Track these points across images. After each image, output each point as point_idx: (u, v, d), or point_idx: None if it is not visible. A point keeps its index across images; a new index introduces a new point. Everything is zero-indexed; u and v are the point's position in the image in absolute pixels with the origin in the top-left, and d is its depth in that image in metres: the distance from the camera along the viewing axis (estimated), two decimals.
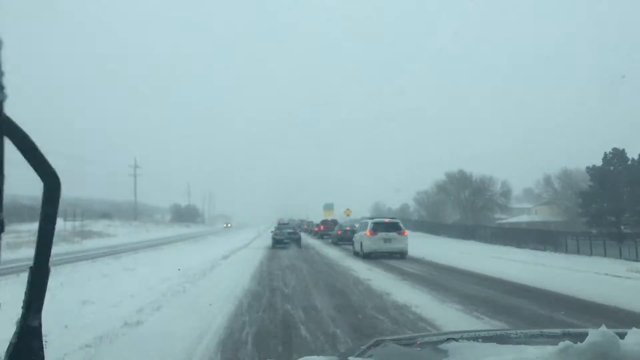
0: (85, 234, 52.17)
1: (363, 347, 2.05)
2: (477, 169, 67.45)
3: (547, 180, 71.09)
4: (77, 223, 63.59)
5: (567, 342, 1.36)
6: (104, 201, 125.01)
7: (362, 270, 17.21)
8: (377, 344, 2.09)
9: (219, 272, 15.67)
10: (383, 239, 24.11)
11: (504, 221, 67.07)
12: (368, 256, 23.59)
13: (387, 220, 25.66)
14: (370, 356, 1.82)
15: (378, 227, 24.44)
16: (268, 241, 38.51)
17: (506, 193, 62.32)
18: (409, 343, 2.27)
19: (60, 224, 52.50)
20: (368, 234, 24.29)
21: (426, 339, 2.37)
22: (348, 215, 67.34)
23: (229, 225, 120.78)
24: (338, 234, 36.06)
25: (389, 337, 2.35)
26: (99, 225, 62.77)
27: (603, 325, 1.40)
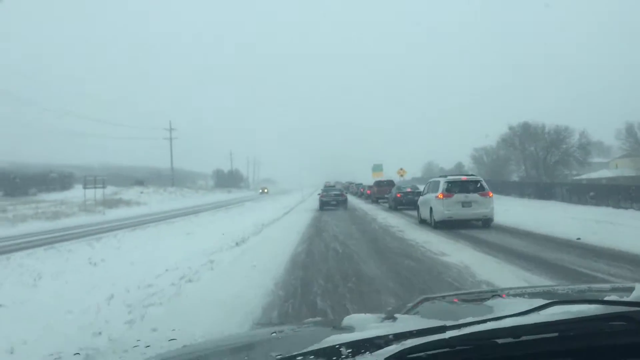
0: (112, 203, 47.54)
1: (410, 305, 2.13)
2: (544, 121, 58.71)
3: (630, 130, 62.06)
4: (108, 191, 59.53)
5: (611, 297, 1.44)
6: (146, 168, 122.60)
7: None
8: (424, 301, 2.19)
9: (204, 285, 8.08)
10: (461, 202, 17.74)
11: (581, 177, 58.69)
12: (441, 225, 17.72)
13: (464, 177, 19.31)
14: (416, 313, 1.89)
15: (454, 187, 18.03)
16: (311, 208, 33.20)
17: (584, 145, 53.78)
18: (454, 300, 2.35)
19: (82, 192, 47.84)
20: (440, 196, 17.87)
21: (472, 296, 2.54)
22: (402, 175, 60.57)
23: (266, 190, 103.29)
24: (397, 197, 29.44)
25: (436, 295, 2.61)
26: (130, 193, 58.36)
27: None
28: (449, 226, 17.44)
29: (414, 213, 22.08)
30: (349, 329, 1.60)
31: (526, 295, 2.10)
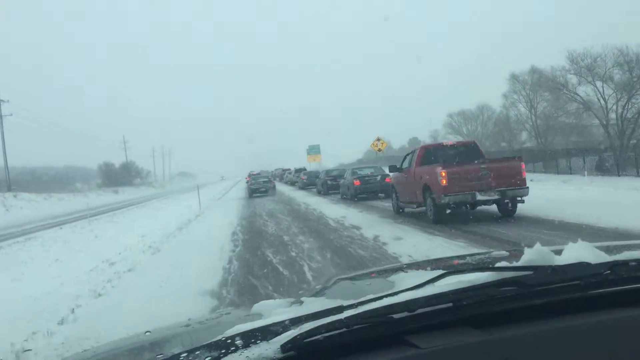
0: None
1: (319, 287, 2.27)
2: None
3: None
4: None
5: (502, 264, 1.47)
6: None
7: None
8: (335, 283, 2.18)
9: None
10: None
11: None
12: None
13: None
14: (323, 295, 1.87)
15: None
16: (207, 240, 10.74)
17: None
18: (363, 278, 2.38)
19: None
20: None
21: (381, 273, 2.44)
22: (380, 150, 36.92)
23: None
24: None
25: (349, 274, 2.53)
26: None
27: (538, 243, 1.47)
28: None
29: None
30: (256, 317, 1.54)
31: (428, 268, 2.14)
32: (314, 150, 78.36)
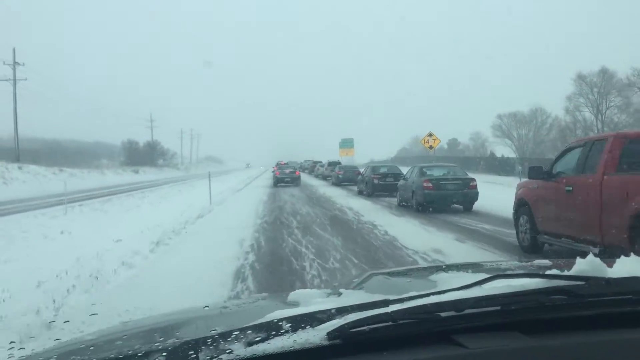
0: None
1: (356, 280, 2.18)
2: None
3: None
4: None
5: (552, 272, 1.43)
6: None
7: None
8: (371, 276, 2.18)
9: None
10: None
11: None
12: None
13: None
14: (361, 288, 1.90)
15: None
16: None
17: None
18: (400, 275, 2.37)
19: None
20: None
21: (418, 271, 2.49)
22: (432, 147, 32.34)
23: None
24: None
25: (383, 270, 2.65)
26: None
27: (591, 254, 1.45)
28: None
29: None
30: (294, 304, 1.56)
31: (470, 270, 2.11)
32: (347, 144, 73.81)
